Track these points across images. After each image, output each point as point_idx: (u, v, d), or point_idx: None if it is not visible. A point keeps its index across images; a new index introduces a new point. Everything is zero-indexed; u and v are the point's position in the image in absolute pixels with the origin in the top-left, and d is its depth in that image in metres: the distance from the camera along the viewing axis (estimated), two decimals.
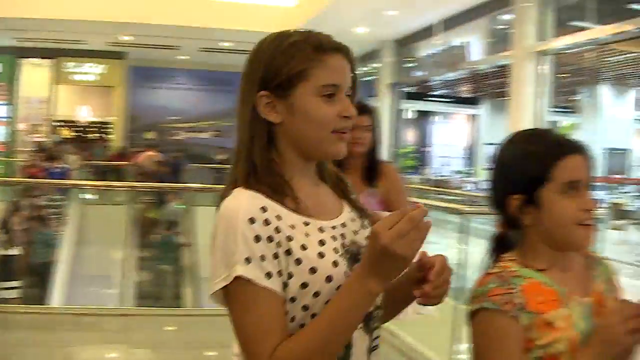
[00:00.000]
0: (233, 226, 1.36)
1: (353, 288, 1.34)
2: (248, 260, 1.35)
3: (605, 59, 16.57)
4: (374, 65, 23.08)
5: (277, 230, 1.39)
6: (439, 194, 14.20)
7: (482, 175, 20.81)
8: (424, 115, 28.06)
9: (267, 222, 1.38)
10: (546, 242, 1.59)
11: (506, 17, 16.36)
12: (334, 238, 1.48)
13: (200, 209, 9.23)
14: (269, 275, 1.36)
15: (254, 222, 1.37)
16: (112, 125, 23.18)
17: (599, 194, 17.57)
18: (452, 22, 17.63)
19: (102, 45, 21.11)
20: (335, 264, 1.43)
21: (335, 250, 1.46)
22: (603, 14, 14.22)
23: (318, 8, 16.02)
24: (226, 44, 20.08)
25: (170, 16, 17.16)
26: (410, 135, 27.06)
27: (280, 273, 1.38)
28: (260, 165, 1.46)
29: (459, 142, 28.93)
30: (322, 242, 1.45)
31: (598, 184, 18.27)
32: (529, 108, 14.98)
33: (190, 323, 6.49)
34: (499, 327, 1.51)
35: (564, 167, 1.54)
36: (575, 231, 1.56)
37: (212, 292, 1.39)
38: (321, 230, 1.47)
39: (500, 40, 16.76)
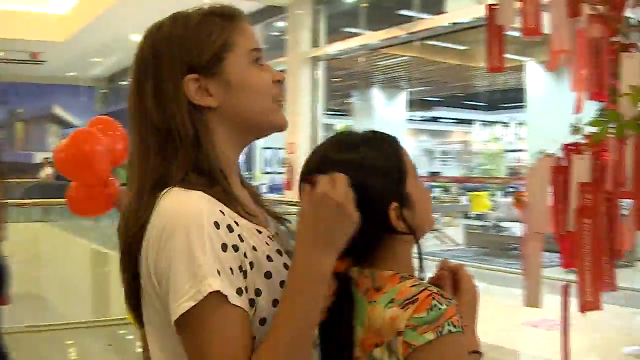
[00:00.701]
0: (198, 230, 1.15)
1: (301, 277, 1.18)
2: (219, 273, 1.14)
3: (377, 63, 17.14)
4: None
5: (241, 238, 1.22)
6: None
7: (261, 179, 21.07)
8: None
9: (230, 229, 1.20)
10: (421, 231, 1.48)
11: (280, 24, 16.59)
12: (283, 247, 1.34)
13: None
14: (239, 291, 1.17)
15: (219, 227, 1.18)
16: None
17: None
18: None
19: None
20: None
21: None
22: (374, 20, 14.70)
23: (92, 15, 15.88)
24: None
25: None
26: None
27: (246, 289, 1.19)
28: (213, 163, 1.28)
29: None
30: (279, 252, 1.30)
31: None
32: (305, 112, 15.31)
33: None
34: (464, 348, 1.37)
35: (406, 156, 1.48)
36: (432, 217, 1.54)
37: (178, 316, 1.14)
38: (271, 239, 1.32)
39: (275, 47, 16.98)
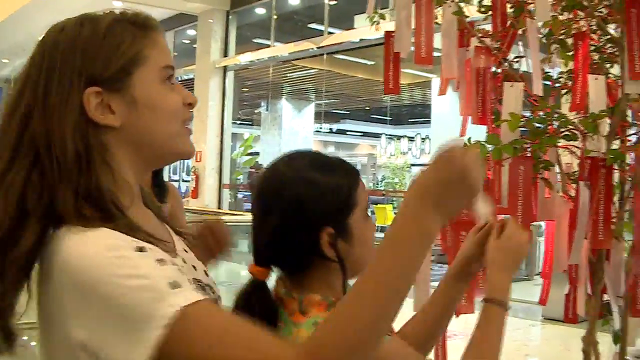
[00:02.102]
0: (125, 263, 0.98)
1: (403, 228, 1.03)
2: (173, 285, 0.98)
3: (286, 75, 17.25)
4: None
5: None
6: None
7: None
8: None
9: (150, 249, 1.04)
10: (354, 271, 1.39)
11: (191, 32, 16.52)
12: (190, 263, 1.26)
13: None
14: (198, 288, 1.09)
15: (144, 250, 1.02)
16: None
17: None
18: None
19: None
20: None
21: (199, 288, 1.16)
22: (284, 32, 14.83)
23: (3, 15, 15.22)
24: None
25: None
26: None
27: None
28: (105, 193, 1.08)
29: None
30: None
31: None
32: (213, 121, 15.29)
33: None
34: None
35: (362, 191, 1.43)
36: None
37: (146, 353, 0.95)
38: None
39: (185, 55, 16.88)
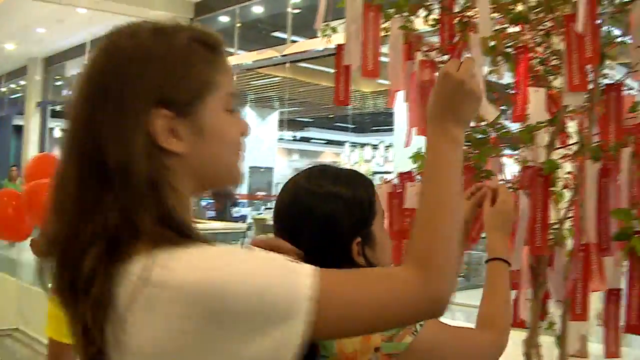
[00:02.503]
0: (244, 261, 0.97)
1: (435, 144, 1.18)
2: (291, 260, 1.02)
3: (250, 83, 17.26)
4: (22, 82, 22.46)
5: None
6: None
7: None
8: None
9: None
10: None
11: None
12: None
13: None
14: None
15: (247, 248, 1.06)
16: None
17: (244, 210, 18.30)
18: None
19: None
20: None
21: None
22: (248, 40, 14.85)
23: None
24: None
25: None
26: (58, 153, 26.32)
27: None
28: (180, 216, 1.02)
29: None
30: None
31: (243, 201, 19.02)
32: None
33: None
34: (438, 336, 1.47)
35: (378, 199, 1.53)
36: (389, 260, 1.59)
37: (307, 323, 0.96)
38: None
39: None
